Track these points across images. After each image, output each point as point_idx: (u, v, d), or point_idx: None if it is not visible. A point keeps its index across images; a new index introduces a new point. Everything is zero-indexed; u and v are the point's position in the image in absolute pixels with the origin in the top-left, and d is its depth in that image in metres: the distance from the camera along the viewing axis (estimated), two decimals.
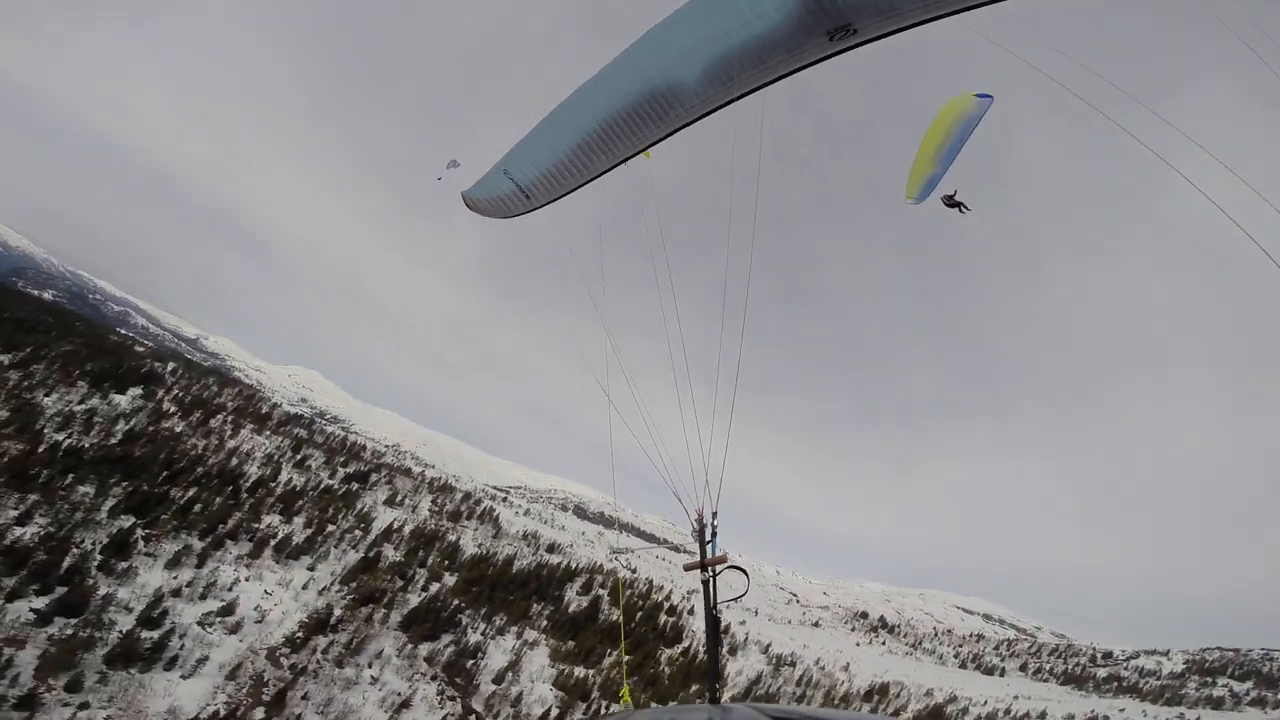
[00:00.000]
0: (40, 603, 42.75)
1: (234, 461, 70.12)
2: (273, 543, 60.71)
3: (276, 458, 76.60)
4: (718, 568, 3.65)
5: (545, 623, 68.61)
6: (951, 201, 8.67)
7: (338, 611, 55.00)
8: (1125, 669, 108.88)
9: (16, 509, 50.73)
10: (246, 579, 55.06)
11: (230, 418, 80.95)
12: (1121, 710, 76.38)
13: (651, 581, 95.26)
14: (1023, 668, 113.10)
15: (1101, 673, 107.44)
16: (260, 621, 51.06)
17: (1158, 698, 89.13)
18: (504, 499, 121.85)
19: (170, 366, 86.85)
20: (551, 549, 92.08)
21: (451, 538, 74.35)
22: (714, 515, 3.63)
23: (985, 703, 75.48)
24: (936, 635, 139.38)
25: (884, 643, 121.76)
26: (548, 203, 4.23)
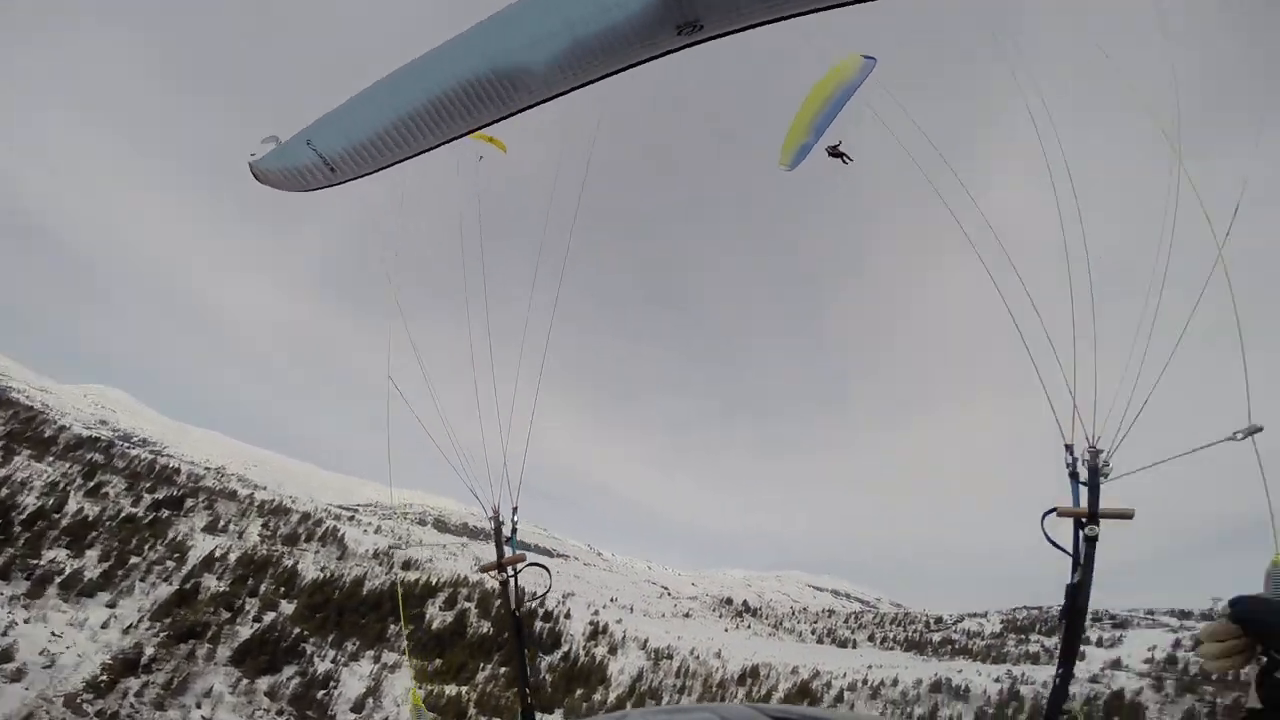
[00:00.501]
0: None
1: (3, 492, 58.68)
2: (58, 580, 52.58)
3: (63, 486, 65.56)
4: (518, 567, 3.54)
5: (407, 643, 64.21)
6: (835, 152, 8.77)
7: (150, 650, 48.73)
8: (955, 632, 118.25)
9: None
10: (26, 621, 48.05)
11: (4, 443, 67.90)
12: (960, 671, 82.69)
13: (523, 588, 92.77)
14: (870, 638, 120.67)
15: (936, 638, 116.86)
16: (49, 667, 45.46)
17: (985, 657, 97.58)
18: (350, 518, 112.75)
19: None
20: (408, 566, 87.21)
21: (288, 562, 67.66)
22: (514, 511, 3.50)
23: (844, 674, 79.74)
24: (794, 614, 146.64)
25: (749, 626, 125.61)
26: (356, 177, 3.84)
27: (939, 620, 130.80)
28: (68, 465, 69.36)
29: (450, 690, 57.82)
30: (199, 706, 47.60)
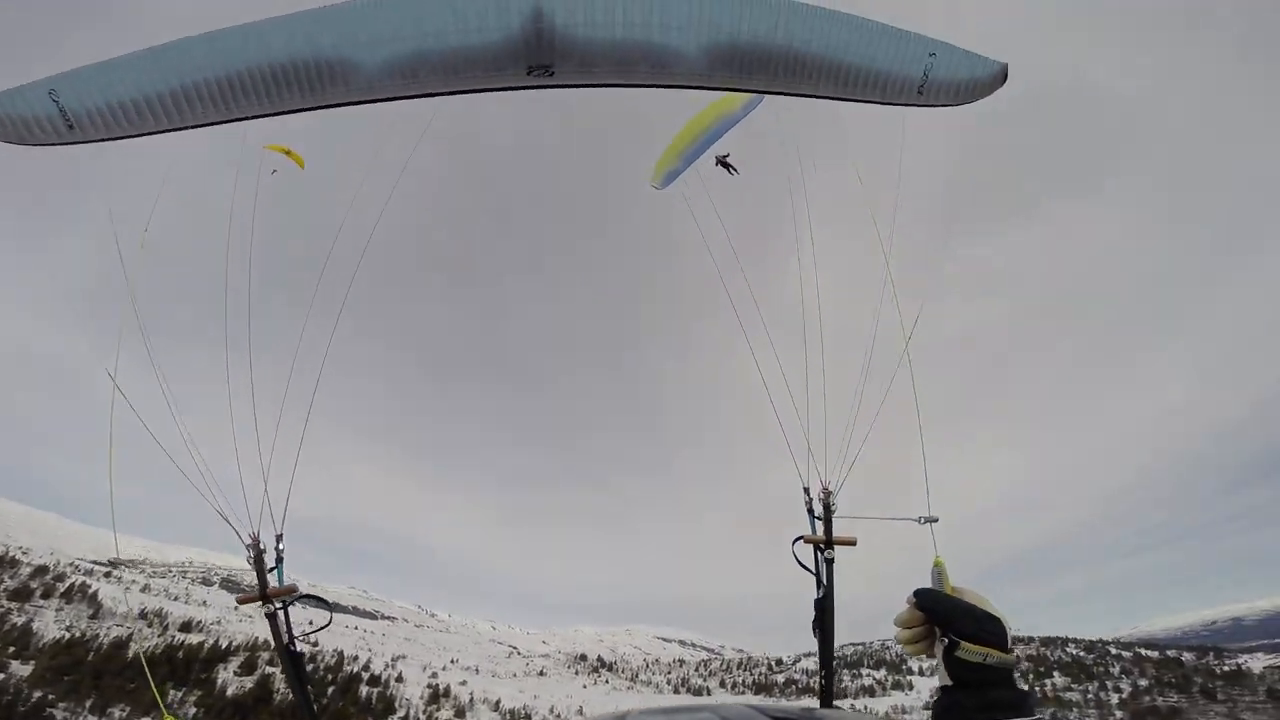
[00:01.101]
0: None
1: None
2: None
3: None
4: (287, 599, 2.95)
5: (195, 710, 51.12)
6: (723, 162, 8.71)
7: None
8: (795, 672, 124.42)
9: None
10: None
11: None
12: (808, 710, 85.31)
13: (342, 651, 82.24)
14: (722, 684, 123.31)
15: (780, 678, 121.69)
16: None
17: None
18: (107, 574, 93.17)
19: None
20: (187, 627, 72.00)
21: (18, 620, 54.60)
22: (278, 539, 2.95)
23: None
24: (648, 666, 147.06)
25: (607, 681, 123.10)
26: (96, 140, 3.15)
27: (779, 662, 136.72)
28: None
29: None
30: None
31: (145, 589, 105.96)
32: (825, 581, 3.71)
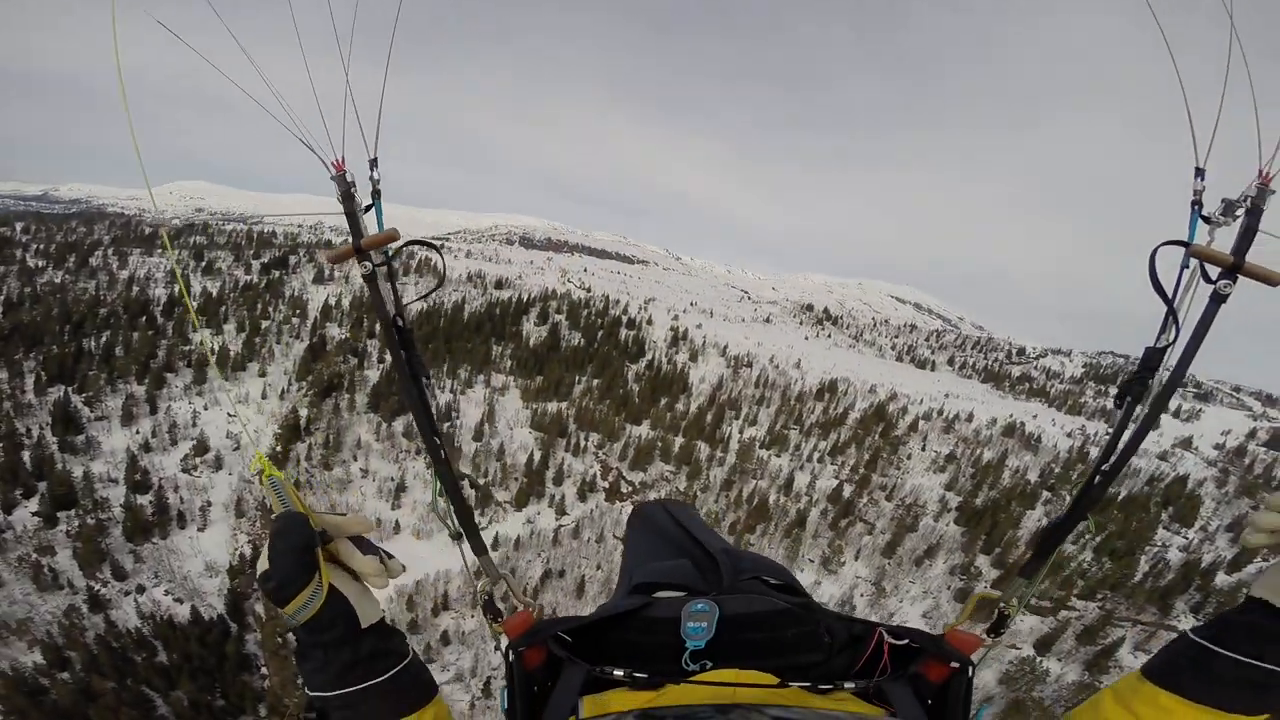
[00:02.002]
0: (34, 505, 41.22)
1: (134, 290, 64.35)
2: (212, 359, 58.80)
3: (177, 272, 71.54)
4: (388, 249, 1.40)
5: (509, 363, 67.44)
6: None
7: (304, 412, 54.04)
8: (1034, 369, 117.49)
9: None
10: (205, 408, 53.02)
11: (111, 250, 73.01)
12: (1035, 417, 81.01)
13: (607, 297, 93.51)
14: (950, 361, 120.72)
15: (1015, 371, 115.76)
16: (237, 449, 49.96)
17: (1062, 404, 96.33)
18: (441, 247, 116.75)
19: (20, 225, 77.23)
20: (500, 284, 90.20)
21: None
22: (372, 165, 1.37)
23: (921, 401, 78.78)
24: (875, 326, 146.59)
25: (829, 335, 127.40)
26: None
27: (1021, 351, 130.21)
28: (176, 253, 75.12)
29: (551, 408, 61.44)
30: (355, 460, 52.59)
31: (467, 255, 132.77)
32: (1194, 329, 1.35)
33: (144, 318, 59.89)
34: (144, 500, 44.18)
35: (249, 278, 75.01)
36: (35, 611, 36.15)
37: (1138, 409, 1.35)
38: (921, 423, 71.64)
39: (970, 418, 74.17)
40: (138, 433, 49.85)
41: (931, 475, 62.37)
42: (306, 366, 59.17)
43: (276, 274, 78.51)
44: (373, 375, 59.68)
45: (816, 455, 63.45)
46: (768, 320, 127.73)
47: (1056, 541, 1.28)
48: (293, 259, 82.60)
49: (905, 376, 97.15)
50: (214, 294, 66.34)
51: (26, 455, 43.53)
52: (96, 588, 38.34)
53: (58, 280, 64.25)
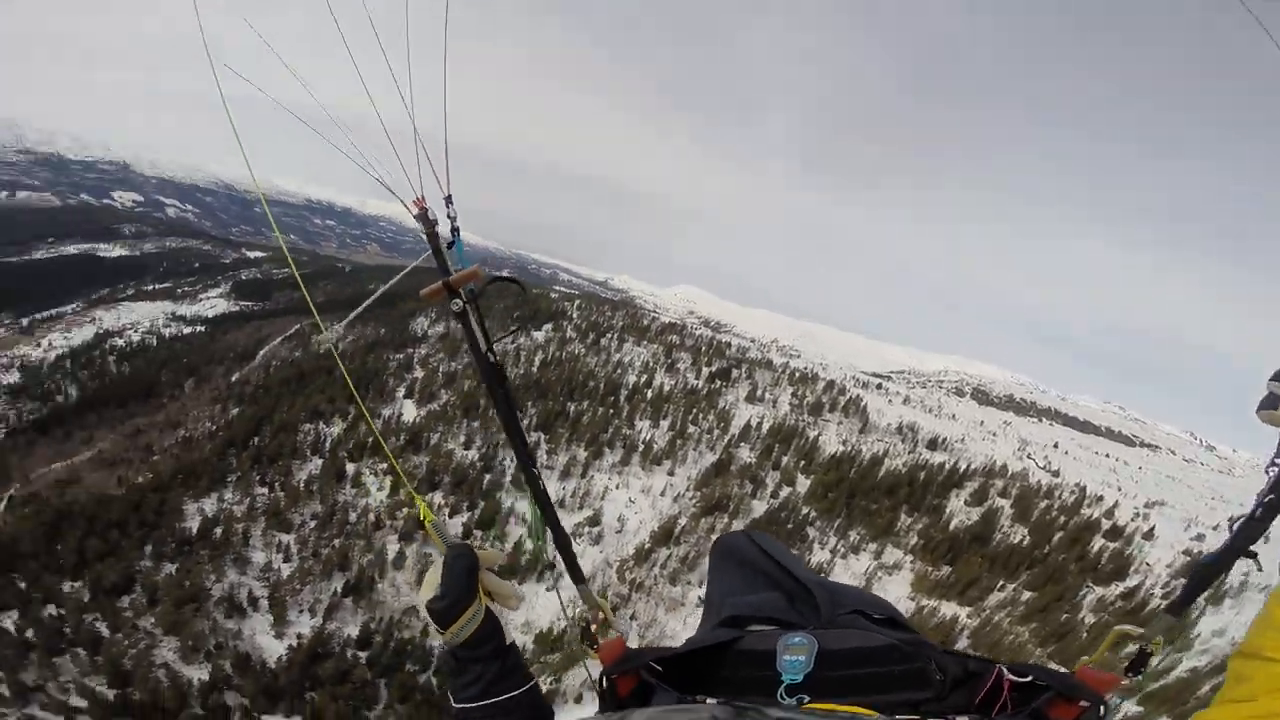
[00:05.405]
0: (465, 518, 51.64)
1: (617, 372, 77.78)
2: (640, 449, 64.39)
3: (651, 364, 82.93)
4: (473, 286, 1.65)
5: (915, 540, 56.34)
6: None
7: (684, 521, 54.50)
8: None
9: (465, 435, 63.68)
10: (616, 487, 58.93)
11: (617, 335, 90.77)
12: None
13: (1083, 488, 71.18)
14: None
15: None
16: (619, 531, 53.06)
17: None
18: (877, 386, 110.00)
19: (576, 303, 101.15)
20: (934, 444, 79.49)
21: (811, 434, 69.84)
22: (447, 201, 1.54)
23: None
24: None
25: None
26: None
27: None
28: (656, 347, 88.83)
29: (947, 609, 46.75)
30: (699, 586, 50.16)
31: (905, 400, 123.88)
32: None
33: (611, 397, 71.75)
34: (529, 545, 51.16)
35: (696, 382, 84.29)
36: None
37: None
38: None
39: None
40: (564, 488, 58.61)
41: None
42: (707, 479, 61.47)
43: (718, 384, 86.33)
44: (760, 507, 57.98)
45: None
46: None
47: (1210, 579, 1.22)
48: (735, 372, 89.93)
49: None
50: (664, 390, 76.23)
51: (487, 478, 54.98)
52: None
53: (577, 351, 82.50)
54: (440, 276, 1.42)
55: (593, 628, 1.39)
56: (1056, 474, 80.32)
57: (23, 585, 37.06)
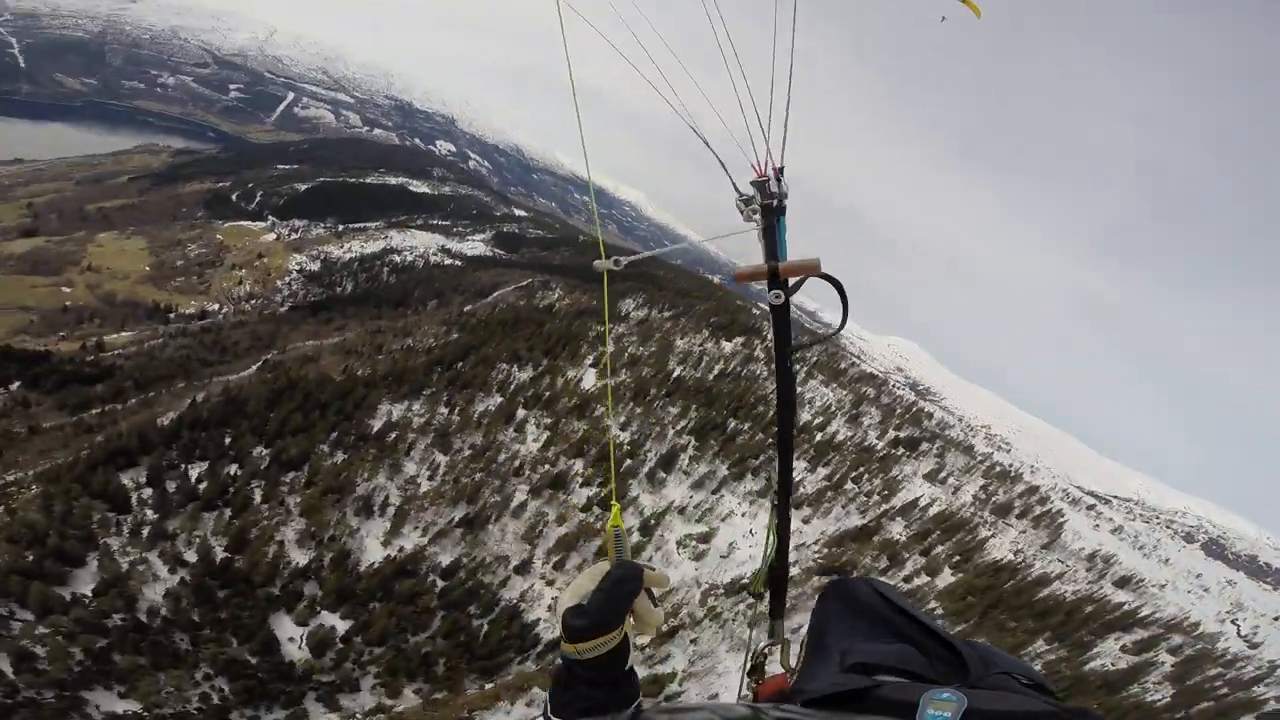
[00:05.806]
0: (591, 491, 49.45)
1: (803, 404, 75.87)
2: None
3: (833, 409, 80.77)
4: (801, 279, 1.63)
5: (1039, 669, 49.95)
6: None
7: (795, 572, 50.32)
8: None
9: (625, 417, 66.37)
10: (742, 515, 57.43)
11: (806, 369, 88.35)
12: None
13: (1278, 667, 57.90)
14: None
15: None
16: (725, 557, 50.36)
17: None
18: (1089, 506, 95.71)
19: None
20: (1124, 583, 67.56)
21: (983, 533, 64.44)
22: (779, 173, 1.54)
23: None
24: None
25: None
26: None
27: None
28: (845, 394, 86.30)
29: None
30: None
31: (1117, 530, 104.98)
32: None
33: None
34: (639, 540, 48.67)
35: (876, 443, 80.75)
36: None
37: None
38: None
39: None
40: (690, 497, 57.03)
41: None
42: (842, 540, 58.19)
43: (901, 452, 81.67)
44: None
45: None
46: None
47: None
48: (924, 445, 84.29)
49: None
50: (835, 438, 74.69)
51: (627, 463, 54.50)
52: None
53: (758, 372, 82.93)
54: (767, 260, 1.28)
55: (764, 663, 1.36)
56: (1257, 646, 63.69)
57: (227, 440, 39.28)
